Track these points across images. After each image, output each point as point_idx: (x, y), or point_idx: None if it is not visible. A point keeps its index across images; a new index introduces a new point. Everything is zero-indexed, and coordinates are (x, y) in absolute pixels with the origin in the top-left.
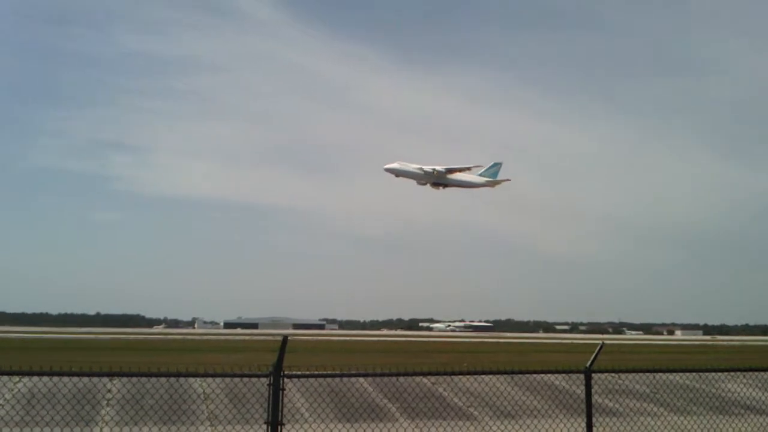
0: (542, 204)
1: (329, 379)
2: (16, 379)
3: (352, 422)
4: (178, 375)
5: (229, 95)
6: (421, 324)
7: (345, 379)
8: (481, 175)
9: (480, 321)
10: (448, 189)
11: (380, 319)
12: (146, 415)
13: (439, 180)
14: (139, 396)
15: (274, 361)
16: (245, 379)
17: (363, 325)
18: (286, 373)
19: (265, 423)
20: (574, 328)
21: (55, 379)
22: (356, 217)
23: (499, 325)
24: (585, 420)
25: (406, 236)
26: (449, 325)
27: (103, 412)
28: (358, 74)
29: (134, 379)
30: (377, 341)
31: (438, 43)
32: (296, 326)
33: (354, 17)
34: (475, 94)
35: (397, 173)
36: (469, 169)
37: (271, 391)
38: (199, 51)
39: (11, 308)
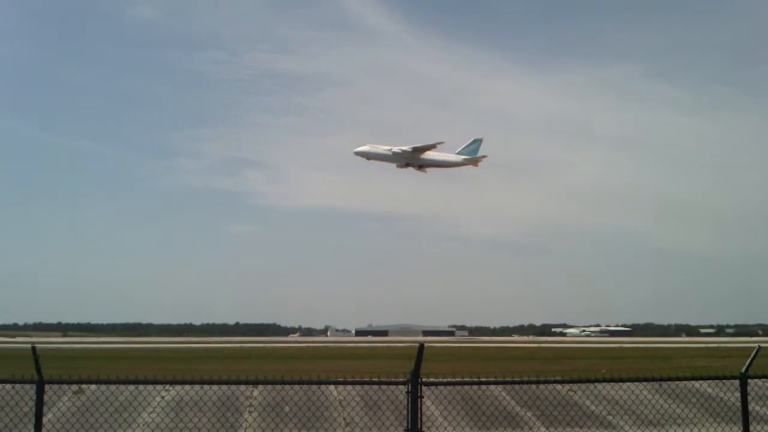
0: (680, 201)
1: (463, 387)
2: (166, 387)
3: (488, 430)
4: (317, 382)
5: (353, 107)
6: (554, 329)
7: (478, 387)
8: (459, 152)
9: (617, 325)
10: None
11: (511, 325)
12: (284, 421)
13: (413, 161)
14: (280, 402)
15: (411, 368)
16: (380, 386)
17: (493, 332)
18: (423, 380)
19: (404, 430)
20: (720, 331)
21: (203, 387)
22: (481, 220)
23: (638, 330)
24: (740, 429)
25: (535, 239)
26: (584, 330)
27: (245, 418)
28: (478, 78)
29: (274, 386)
30: (509, 347)
31: (556, 39)
32: (426, 333)
33: (470, 21)
34: (598, 90)
35: (368, 156)
36: (434, 146)
37: (409, 399)
38: (324, 66)
39: (159, 320)
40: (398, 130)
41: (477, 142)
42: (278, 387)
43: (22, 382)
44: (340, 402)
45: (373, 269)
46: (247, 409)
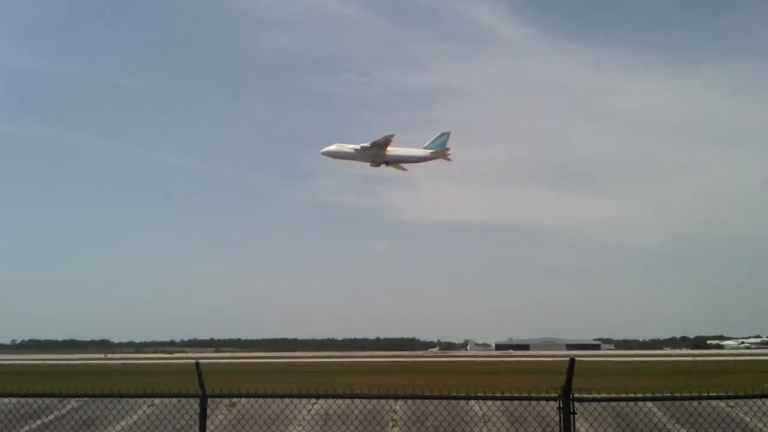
0: None
1: (613, 403)
2: (312, 401)
3: None
4: (464, 398)
5: (485, 119)
6: (709, 341)
7: (631, 404)
8: (427, 146)
9: None
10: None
11: (661, 337)
12: None
13: (378, 158)
14: (422, 417)
15: (558, 383)
16: (524, 402)
17: (642, 345)
18: (575, 396)
19: None
20: None
21: (348, 401)
22: (624, 229)
23: None
24: None
25: (682, 246)
26: (743, 342)
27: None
28: (612, 80)
29: (417, 401)
30: (661, 361)
31: (691, 36)
32: (569, 347)
33: (599, 23)
34: (743, 85)
35: (335, 156)
36: (389, 140)
37: (561, 415)
38: (452, 79)
39: (303, 335)
40: (533, 137)
41: (445, 135)
42: (420, 402)
43: (187, 396)
44: (482, 418)
45: (512, 281)
46: (390, 423)
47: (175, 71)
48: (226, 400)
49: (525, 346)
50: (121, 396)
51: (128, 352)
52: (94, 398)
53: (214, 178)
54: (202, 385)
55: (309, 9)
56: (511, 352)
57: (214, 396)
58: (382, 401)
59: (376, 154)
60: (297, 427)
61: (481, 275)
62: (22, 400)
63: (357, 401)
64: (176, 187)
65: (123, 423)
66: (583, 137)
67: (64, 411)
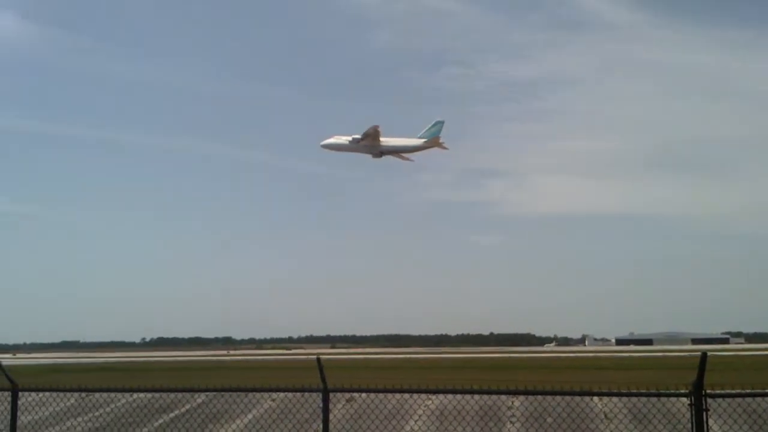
0: None
1: (748, 399)
2: (424, 396)
3: None
4: (584, 393)
5: (594, 106)
6: None
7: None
8: (421, 135)
9: None
10: None
11: None
12: None
13: (373, 148)
14: (540, 414)
15: (688, 379)
16: (650, 399)
17: None
18: (708, 392)
19: None
20: None
21: (464, 396)
22: (748, 216)
23: None
24: None
25: None
26: None
27: (507, 428)
28: (731, 59)
29: (534, 397)
30: None
31: None
32: (695, 341)
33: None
34: None
35: (333, 148)
36: (376, 129)
37: (693, 412)
38: (558, 67)
39: (416, 331)
40: (642, 125)
41: (439, 124)
42: (539, 397)
43: (310, 390)
44: (605, 414)
45: (631, 273)
46: (509, 419)
47: (276, 73)
48: (343, 395)
49: (648, 341)
50: (246, 390)
51: (249, 349)
52: (220, 393)
53: (328, 178)
54: (323, 380)
55: (410, 5)
56: (632, 347)
57: (335, 390)
58: (499, 397)
59: (370, 145)
60: (414, 423)
61: (596, 267)
62: (156, 394)
63: (473, 397)
64: (287, 188)
65: (248, 416)
66: (699, 120)
67: (193, 405)
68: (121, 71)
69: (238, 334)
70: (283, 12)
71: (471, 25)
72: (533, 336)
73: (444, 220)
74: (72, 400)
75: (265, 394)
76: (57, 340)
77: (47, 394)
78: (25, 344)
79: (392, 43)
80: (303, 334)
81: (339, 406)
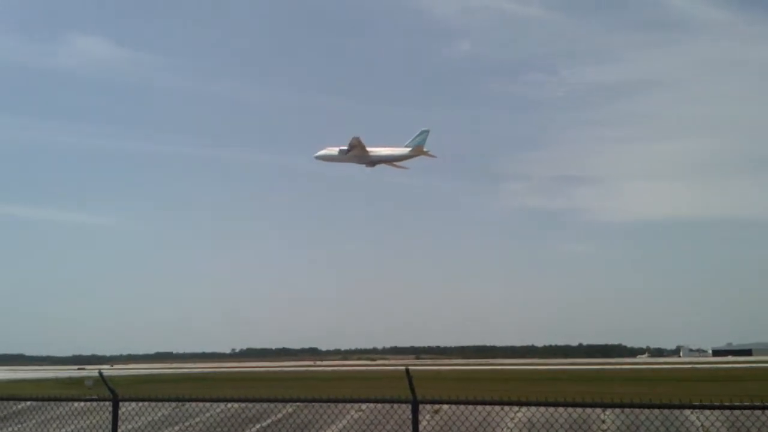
0: None
1: None
2: (515, 408)
3: None
4: (679, 406)
5: (684, 109)
6: None
7: None
8: (407, 145)
9: None
10: None
11: None
12: None
13: (364, 159)
14: (634, 427)
15: None
16: (748, 412)
17: None
18: None
19: None
20: None
21: (552, 408)
22: None
23: None
24: None
25: None
26: None
27: None
28: None
29: (627, 410)
30: None
31: None
32: None
33: None
34: None
35: (326, 159)
36: (357, 140)
37: None
38: (645, 70)
39: (503, 342)
40: (737, 125)
41: (424, 133)
42: (632, 411)
43: (399, 401)
44: (704, 429)
45: (729, 280)
46: None
47: (357, 85)
48: (431, 407)
49: (747, 351)
50: (335, 401)
51: (335, 359)
52: (308, 403)
53: (401, 188)
54: (413, 391)
55: (489, 13)
56: (731, 358)
57: (424, 402)
58: (589, 410)
59: (359, 155)
60: None
61: (691, 275)
62: (246, 404)
63: (562, 409)
64: (377, 199)
65: (334, 427)
66: None
67: (280, 415)
68: (214, 89)
69: (323, 345)
70: (366, 28)
71: (550, 30)
72: (624, 347)
73: (529, 228)
74: (167, 410)
75: (349, 405)
76: (151, 351)
77: (143, 403)
78: (121, 356)
79: (472, 52)
80: (387, 345)
81: (427, 417)
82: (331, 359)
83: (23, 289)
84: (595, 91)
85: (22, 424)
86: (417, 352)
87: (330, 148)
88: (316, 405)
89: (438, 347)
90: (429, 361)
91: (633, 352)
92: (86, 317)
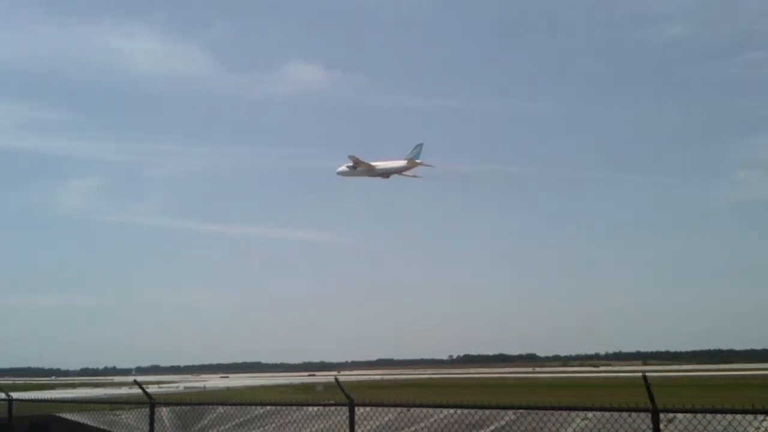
0: None
1: None
2: (760, 417)
3: None
4: None
5: None
6: None
7: None
8: (405, 157)
9: None
10: None
11: None
12: None
13: (373, 173)
14: None
15: None
16: None
17: None
18: None
19: None
20: None
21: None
22: None
23: None
24: None
25: None
26: None
27: None
28: None
29: None
30: None
31: None
32: None
33: None
34: None
35: (345, 174)
36: (355, 158)
37: None
38: None
39: (742, 345)
40: None
41: (418, 147)
42: None
43: (637, 410)
44: None
45: None
46: None
47: (565, 88)
48: (661, 416)
49: None
50: (564, 409)
51: (554, 366)
52: (530, 410)
53: (607, 186)
54: (652, 399)
55: None
56: None
57: (666, 411)
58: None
59: (367, 170)
60: None
61: None
62: (466, 411)
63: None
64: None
65: None
66: None
67: (503, 422)
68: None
69: (541, 351)
70: (561, 22)
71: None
72: None
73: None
74: (392, 415)
75: (576, 413)
76: (373, 358)
77: (369, 408)
78: (346, 362)
79: (683, 35)
80: (611, 351)
81: (660, 426)
82: (551, 365)
83: (257, 302)
84: None
85: (263, 427)
86: (643, 357)
87: (344, 166)
88: (540, 412)
89: (667, 352)
90: (659, 367)
91: None
92: (314, 327)
